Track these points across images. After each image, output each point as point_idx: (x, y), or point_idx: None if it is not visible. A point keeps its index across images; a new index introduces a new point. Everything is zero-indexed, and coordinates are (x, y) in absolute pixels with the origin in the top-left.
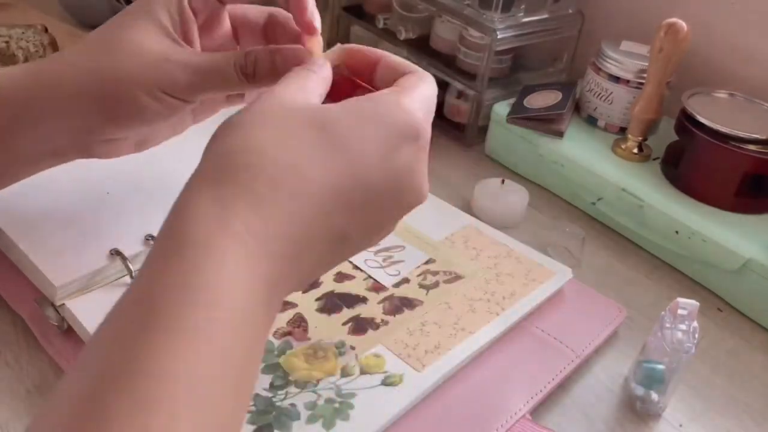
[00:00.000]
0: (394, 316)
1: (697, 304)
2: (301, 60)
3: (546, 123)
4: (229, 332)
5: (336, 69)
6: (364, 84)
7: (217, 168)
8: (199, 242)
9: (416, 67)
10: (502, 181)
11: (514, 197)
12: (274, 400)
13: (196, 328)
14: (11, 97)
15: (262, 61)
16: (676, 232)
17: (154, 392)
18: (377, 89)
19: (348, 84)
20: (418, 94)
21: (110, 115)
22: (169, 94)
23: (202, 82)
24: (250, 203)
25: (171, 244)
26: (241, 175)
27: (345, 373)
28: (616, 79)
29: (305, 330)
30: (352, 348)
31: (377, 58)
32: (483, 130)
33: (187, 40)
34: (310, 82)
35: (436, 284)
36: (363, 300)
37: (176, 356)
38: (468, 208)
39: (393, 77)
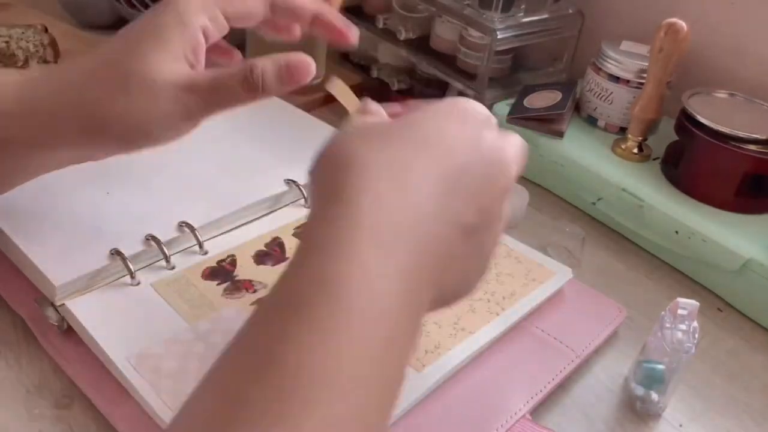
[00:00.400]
0: None
1: (697, 304)
2: (307, 69)
3: (546, 123)
4: (363, 323)
5: None
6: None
7: (325, 187)
8: (331, 240)
9: None
10: None
11: (514, 197)
12: None
13: (330, 320)
14: (15, 122)
15: (269, 74)
16: (676, 232)
17: (290, 384)
18: None
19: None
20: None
21: (121, 144)
22: (182, 120)
23: (213, 104)
24: (371, 199)
25: (304, 248)
26: (353, 180)
27: None
28: (616, 79)
29: None
30: None
31: None
32: None
33: (196, 62)
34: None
35: None
36: None
37: (311, 349)
38: None
39: None
